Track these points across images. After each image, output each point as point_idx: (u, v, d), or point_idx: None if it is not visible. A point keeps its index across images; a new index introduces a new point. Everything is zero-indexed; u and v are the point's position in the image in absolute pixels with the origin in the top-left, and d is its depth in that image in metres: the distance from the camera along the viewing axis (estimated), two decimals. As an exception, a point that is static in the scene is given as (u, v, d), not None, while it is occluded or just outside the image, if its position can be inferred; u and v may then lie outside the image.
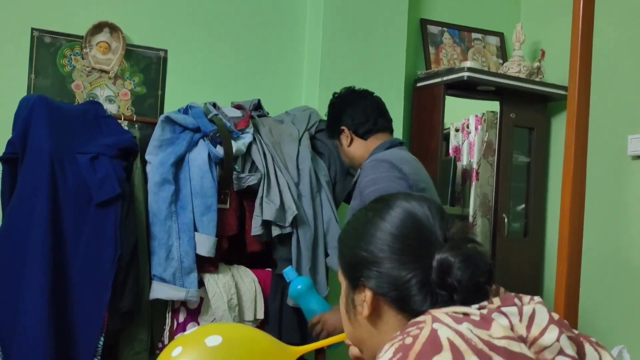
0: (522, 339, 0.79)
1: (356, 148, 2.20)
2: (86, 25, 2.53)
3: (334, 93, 2.33)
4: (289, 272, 2.07)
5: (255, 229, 2.34)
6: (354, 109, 2.21)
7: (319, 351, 2.50)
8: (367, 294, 0.93)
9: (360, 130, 2.18)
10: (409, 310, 0.89)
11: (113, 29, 2.57)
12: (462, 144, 3.28)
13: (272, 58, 2.91)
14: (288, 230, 2.36)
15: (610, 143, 2.89)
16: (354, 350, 1.06)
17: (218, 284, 2.28)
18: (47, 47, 2.50)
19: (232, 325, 2.13)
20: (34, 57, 2.48)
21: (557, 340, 0.80)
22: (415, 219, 0.92)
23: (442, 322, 0.79)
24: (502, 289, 0.93)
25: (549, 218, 3.27)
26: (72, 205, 2.06)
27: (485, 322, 0.79)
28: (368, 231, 0.94)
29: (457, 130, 3.32)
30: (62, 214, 2.05)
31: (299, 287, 2.03)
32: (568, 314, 1.55)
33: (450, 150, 3.31)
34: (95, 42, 2.56)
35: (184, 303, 2.25)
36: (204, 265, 2.28)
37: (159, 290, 2.17)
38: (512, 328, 0.80)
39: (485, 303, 0.85)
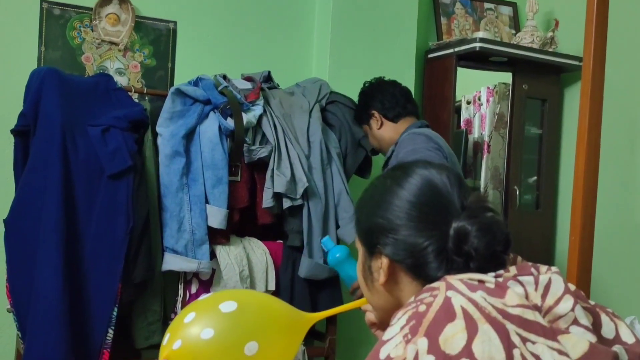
0: (536, 308, 0.79)
1: (386, 130, 2.36)
2: (95, -4, 2.51)
3: (365, 82, 2.47)
4: (326, 242, 2.10)
5: (266, 201, 2.34)
6: (384, 94, 2.38)
7: (331, 320, 2.53)
8: (384, 261, 0.93)
9: (390, 114, 2.35)
10: (425, 277, 0.89)
11: (122, 0, 2.55)
12: (474, 116, 3.25)
13: (282, 29, 2.89)
14: (299, 202, 2.36)
15: (624, 114, 2.86)
16: (370, 316, 1.07)
17: (230, 256, 2.29)
18: (56, 19, 2.49)
19: (247, 291, 2.14)
20: (43, 30, 2.47)
21: (572, 310, 0.80)
22: (434, 186, 0.92)
23: (456, 290, 0.79)
24: (519, 258, 0.93)
25: (560, 190, 3.25)
26: (83, 178, 2.07)
27: (500, 290, 0.79)
28: (386, 199, 0.94)
29: (468, 103, 3.29)
30: (74, 186, 2.05)
31: (338, 255, 2.06)
32: (580, 284, 1.55)
33: (462, 123, 3.28)
34: (104, 14, 2.54)
35: (196, 274, 2.27)
36: (216, 237, 2.29)
37: (171, 262, 2.19)
38: (527, 297, 0.80)
39: (501, 271, 0.85)
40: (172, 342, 1.09)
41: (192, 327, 1.09)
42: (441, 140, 2.21)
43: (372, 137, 2.43)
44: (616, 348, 0.78)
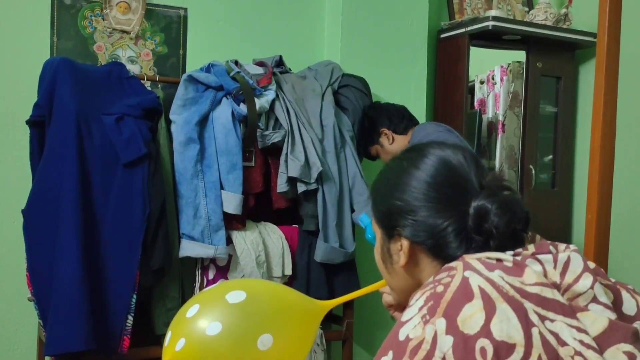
0: (555, 286, 0.79)
1: (398, 144, 2.45)
2: (105, -15, 2.51)
3: (363, 108, 2.57)
4: (363, 218, 2.10)
5: (281, 185, 2.35)
6: (389, 112, 2.50)
7: (348, 303, 2.54)
8: (404, 243, 0.93)
9: (399, 128, 2.47)
10: (444, 257, 0.89)
11: (132, -12, 2.55)
12: (488, 96, 3.22)
13: (293, 13, 2.87)
14: (313, 186, 2.36)
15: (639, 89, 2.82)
16: (387, 298, 1.07)
17: (246, 241, 2.31)
18: (67, 9, 2.49)
19: (254, 280, 2.13)
20: (55, 20, 2.48)
21: (591, 287, 0.79)
22: (451, 166, 0.91)
23: (474, 270, 0.79)
24: (538, 237, 0.92)
25: (577, 168, 3.22)
26: (99, 166, 2.09)
27: (518, 269, 0.79)
28: (402, 180, 0.94)
29: (482, 83, 3.26)
30: (91, 174, 2.07)
31: None
32: (597, 262, 1.54)
33: (475, 103, 3.26)
34: (115, 2, 2.54)
35: (213, 260, 2.29)
36: (232, 222, 2.30)
37: (188, 248, 2.20)
38: (545, 275, 0.80)
39: (520, 250, 0.84)
40: (174, 341, 0.99)
41: (197, 321, 0.98)
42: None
43: (384, 154, 2.51)
44: (637, 324, 0.78)
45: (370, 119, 2.54)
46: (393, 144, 2.47)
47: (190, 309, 0.99)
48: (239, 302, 0.98)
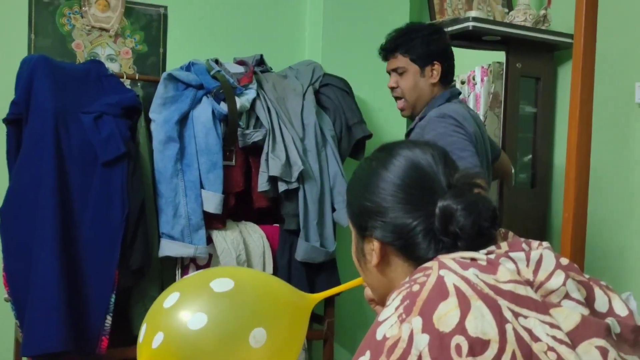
0: (528, 283, 0.79)
1: (431, 87, 2.09)
2: (84, -18, 2.49)
3: (433, 26, 2.20)
4: None
5: (262, 185, 2.35)
6: (452, 59, 2.15)
7: (329, 302, 2.54)
8: (375, 244, 0.94)
9: (446, 78, 2.11)
10: (415, 258, 0.90)
11: (111, -14, 2.53)
12: (469, 96, 3.24)
13: (274, 12, 2.87)
14: (294, 185, 2.36)
15: (617, 91, 2.86)
16: (368, 292, 1.08)
17: (226, 240, 2.30)
18: (45, 6, 2.47)
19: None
20: (32, 17, 2.45)
21: (563, 284, 0.80)
22: (418, 167, 0.92)
23: (449, 268, 0.80)
24: (510, 234, 0.93)
25: (555, 168, 3.26)
26: (78, 165, 2.07)
27: (491, 267, 0.80)
28: (372, 181, 0.94)
29: (462, 83, 3.28)
30: (69, 174, 2.05)
31: None
32: (574, 261, 1.56)
33: (456, 103, 3.27)
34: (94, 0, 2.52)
35: (193, 260, 2.28)
36: (212, 222, 2.30)
37: (168, 248, 2.19)
38: (518, 273, 0.81)
39: (493, 248, 0.85)
40: (150, 336, 0.86)
41: (177, 313, 0.86)
42: (470, 119, 2.01)
43: (407, 82, 2.09)
44: (609, 320, 0.79)
45: (437, 42, 2.10)
46: (429, 83, 2.08)
47: (169, 298, 0.86)
48: (227, 291, 0.85)
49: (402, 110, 2.16)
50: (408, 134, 2.16)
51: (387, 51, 2.14)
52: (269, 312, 0.89)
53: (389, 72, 2.17)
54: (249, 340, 0.84)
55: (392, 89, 2.15)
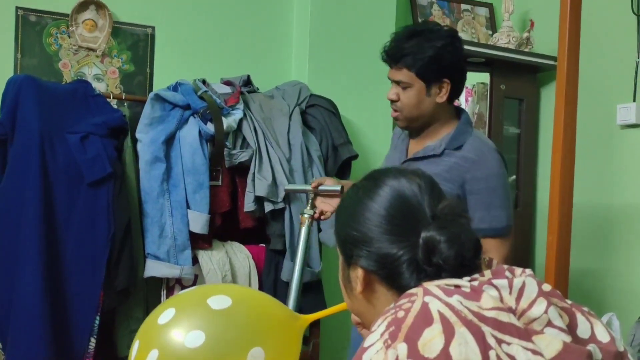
0: (511, 310, 0.80)
1: (434, 107, 1.78)
2: (71, 3, 2.50)
3: (452, 36, 1.79)
4: None
5: (248, 205, 2.35)
6: (464, 74, 1.83)
7: (314, 323, 2.54)
8: (359, 272, 0.95)
9: (453, 96, 1.80)
10: (399, 287, 0.90)
11: (99, 6, 2.54)
12: (453, 116, 3.27)
13: (261, 33, 2.89)
14: (280, 205, 2.37)
15: (599, 112, 2.90)
16: (355, 317, 1.08)
17: (212, 261, 2.30)
18: (32, 26, 2.47)
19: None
20: (19, 37, 2.45)
21: (545, 312, 0.81)
22: (403, 198, 0.93)
23: (433, 295, 0.81)
24: (494, 261, 0.94)
25: (539, 189, 3.29)
26: (63, 185, 2.06)
27: (475, 294, 0.81)
28: (357, 211, 0.95)
29: (447, 103, 3.31)
30: (54, 194, 2.05)
31: None
32: (558, 283, 1.58)
33: (441, 123, 3.30)
34: (81, 19, 2.53)
35: (178, 280, 2.27)
36: (198, 242, 2.30)
37: (153, 268, 2.19)
38: (501, 300, 0.82)
39: (476, 275, 0.86)
40: (143, 353, 0.84)
41: (172, 329, 0.83)
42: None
43: (415, 101, 1.77)
44: (590, 347, 0.80)
45: (450, 55, 1.75)
46: (435, 102, 1.76)
47: (164, 314, 0.83)
48: (225, 309, 0.84)
49: (396, 119, 1.85)
50: (420, 158, 1.80)
51: (391, 58, 1.79)
52: (266, 331, 0.88)
53: (390, 79, 1.83)
54: (247, 359, 0.83)
55: (392, 101, 1.81)
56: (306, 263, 2.40)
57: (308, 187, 1.95)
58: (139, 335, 0.88)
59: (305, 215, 1.92)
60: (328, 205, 1.91)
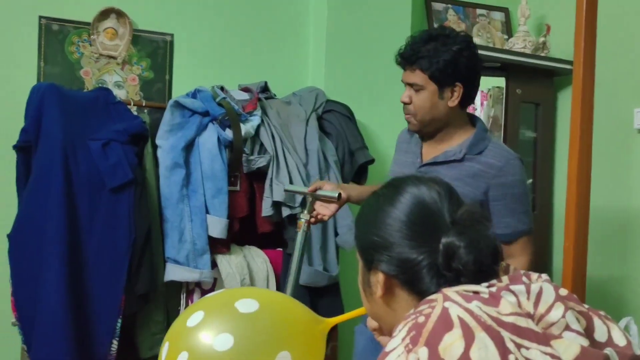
0: (529, 316, 0.82)
1: (446, 110, 1.79)
2: (93, 11, 2.55)
3: (468, 38, 1.83)
4: None
5: (266, 210, 2.38)
6: (477, 79, 1.84)
7: (332, 328, 2.55)
8: (380, 276, 0.97)
9: (465, 101, 1.81)
10: (419, 292, 0.93)
11: (119, 14, 2.58)
12: (469, 120, 3.28)
13: (278, 40, 2.92)
14: (298, 210, 2.39)
15: (616, 116, 2.90)
16: (372, 323, 1.10)
17: (231, 265, 2.32)
18: (55, 35, 2.52)
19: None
20: (42, 45, 2.50)
21: (563, 316, 0.83)
22: (424, 204, 0.95)
23: (453, 301, 0.82)
24: (511, 267, 0.96)
25: (556, 193, 3.28)
26: (85, 191, 2.10)
27: (494, 300, 0.83)
28: (378, 217, 0.98)
29: (463, 107, 3.32)
30: (77, 200, 2.08)
31: None
32: (575, 287, 1.58)
33: (457, 127, 3.31)
34: (102, 28, 2.58)
35: (198, 284, 2.30)
36: (217, 246, 2.33)
37: (173, 272, 2.22)
38: (519, 305, 0.83)
39: (494, 281, 0.88)
40: (173, 355, 0.85)
41: (201, 332, 0.84)
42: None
43: (428, 104, 1.78)
44: (607, 351, 0.82)
45: (470, 57, 1.78)
46: (447, 106, 1.78)
47: (193, 317, 0.84)
48: (252, 312, 0.85)
49: (409, 122, 1.87)
50: (441, 163, 1.81)
51: (406, 60, 1.81)
52: (293, 335, 0.89)
53: (403, 82, 1.84)
54: None
55: (405, 104, 1.83)
56: (323, 267, 2.43)
57: (306, 190, 1.93)
58: (169, 337, 0.89)
59: (302, 220, 1.90)
60: (327, 210, 1.91)
